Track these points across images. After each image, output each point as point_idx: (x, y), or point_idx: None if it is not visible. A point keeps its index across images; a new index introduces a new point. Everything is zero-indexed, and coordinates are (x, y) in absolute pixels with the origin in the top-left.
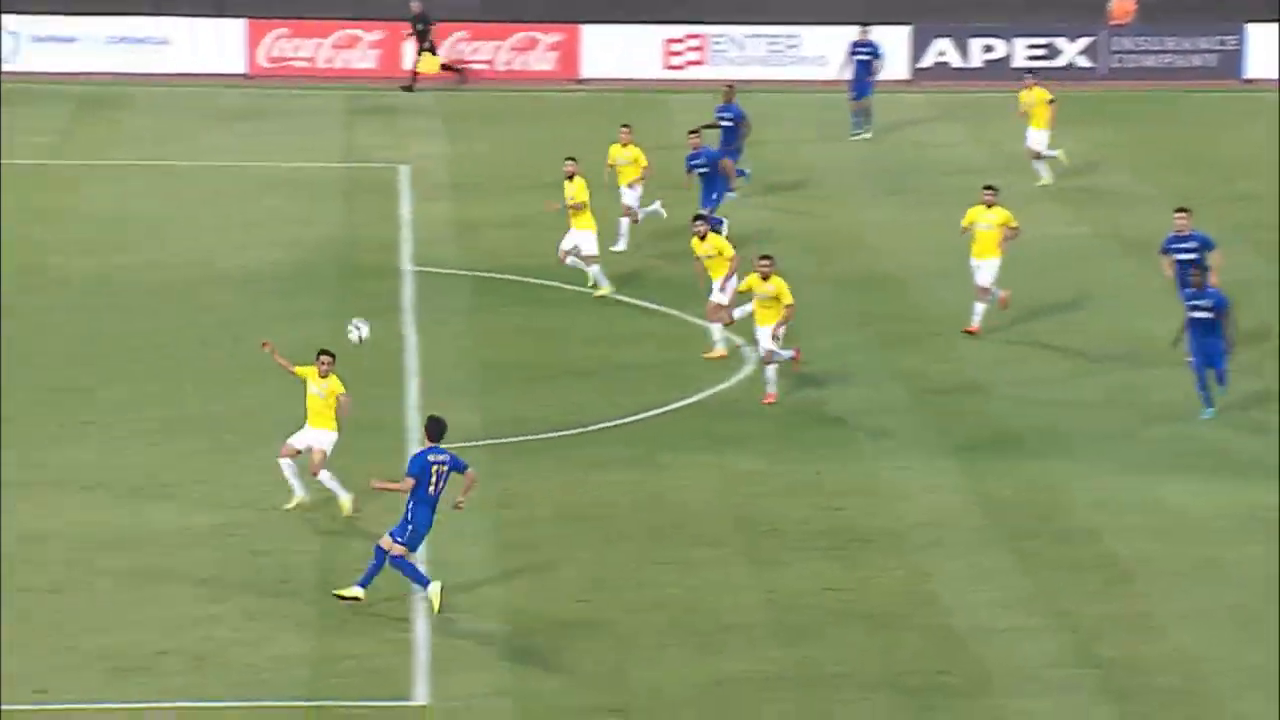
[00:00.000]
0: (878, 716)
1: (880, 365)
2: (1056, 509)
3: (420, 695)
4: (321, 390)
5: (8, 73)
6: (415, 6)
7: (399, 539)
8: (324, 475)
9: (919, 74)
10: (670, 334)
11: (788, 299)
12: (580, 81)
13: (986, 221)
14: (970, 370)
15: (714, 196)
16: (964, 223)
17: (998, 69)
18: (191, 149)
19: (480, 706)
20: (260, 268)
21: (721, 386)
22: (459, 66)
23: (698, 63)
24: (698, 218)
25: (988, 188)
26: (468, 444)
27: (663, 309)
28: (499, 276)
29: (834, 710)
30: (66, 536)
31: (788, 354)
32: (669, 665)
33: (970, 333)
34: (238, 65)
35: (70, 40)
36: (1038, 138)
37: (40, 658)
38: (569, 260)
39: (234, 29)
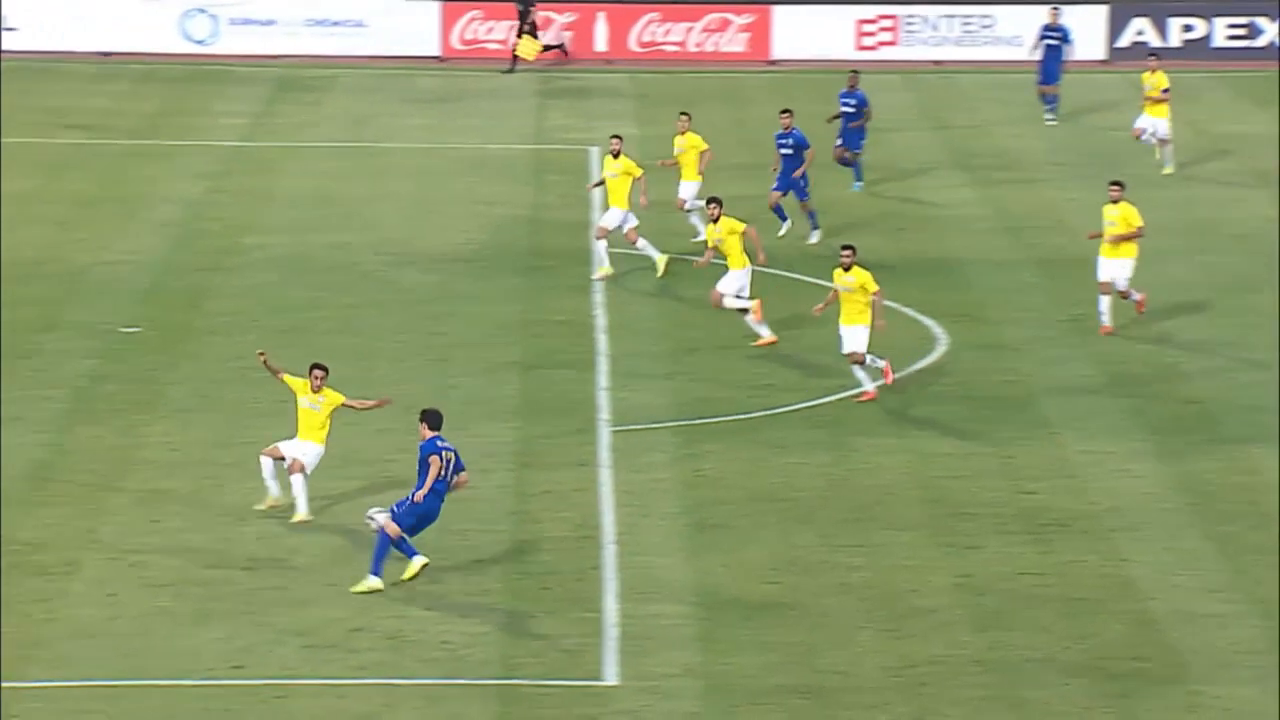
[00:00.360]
0: (1072, 703)
1: (1075, 346)
2: (1257, 493)
3: (610, 675)
4: (316, 404)
5: (207, 55)
6: None
7: (404, 519)
8: (297, 478)
9: (1116, 54)
10: None
11: (872, 287)
12: (772, 63)
13: (1110, 219)
14: (1167, 352)
15: (802, 183)
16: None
17: (1197, 49)
18: (387, 131)
19: (670, 687)
20: (453, 249)
21: (912, 368)
22: (559, 45)
23: (890, 43)
24: (711, 200)
25: (1114, 184)
26: (655, 425)
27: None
28: (688, 258)
29: (1027, 696)
30: (262, 514)
31: (881, 362)
32: (859, 648)
33: (1106, 333)
34: (432, 48)
35: (269, 23)
36: (1156, 125)
37: (237, 634)
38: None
39: (429, 12)
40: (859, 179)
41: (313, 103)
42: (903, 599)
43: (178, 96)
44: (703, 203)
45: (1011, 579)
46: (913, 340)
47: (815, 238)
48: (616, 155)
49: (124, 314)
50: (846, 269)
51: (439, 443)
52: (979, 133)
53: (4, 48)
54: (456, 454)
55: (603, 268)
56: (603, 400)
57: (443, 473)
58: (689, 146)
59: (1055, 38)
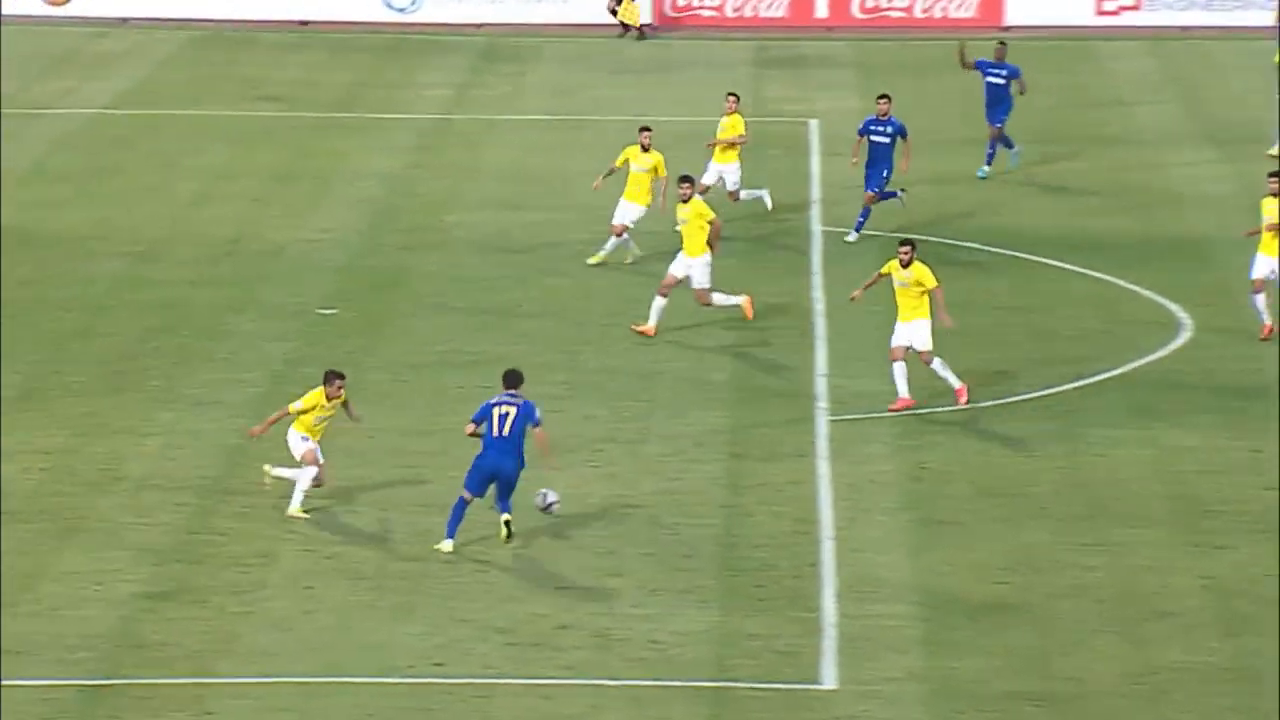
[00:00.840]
0: None
1: None
2: None
3: (828, 679)
4: (334, 414)
5: (409, 24)
6: None
7: (468, 483)
8: (296, 473)
9: None
10: (1097, 298)
11: (931, 283)
12: (1004, 29)
13: (1268, 213)
14: None
15: (884, 174)
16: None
17: None
18: (594, 103)
19: (891, 692)
20: (664, 227)
21: (1154, 356)
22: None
23: (1133, 8)
24: (685, 179)
25: (1273, 175)
26: (877, 414)
27: (1089, 272)
28: (912, 237)
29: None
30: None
31: (955, 381)
32: (1095, 653)
33: (1265, 337)
34: (643, 15)
35: None
36: None
37: (437, 630)
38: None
39: None
40: (1011, 147)
41: (516, 73)
42: (1143, 601)
43: (377, 67)
44: (762, 192)
45: (1261, 581)
46: (1154, 325)
47: (853, 238)
48: (646, 150)
49: (320, 294)
50: (905, 265)
51: (493, 401)
52: (1229, 103)
53: (198, 16)
54: (521, 408)
55: (599, 255)
56: (821, 387)
57: (498, 430)
58: (729, 128)
59: None
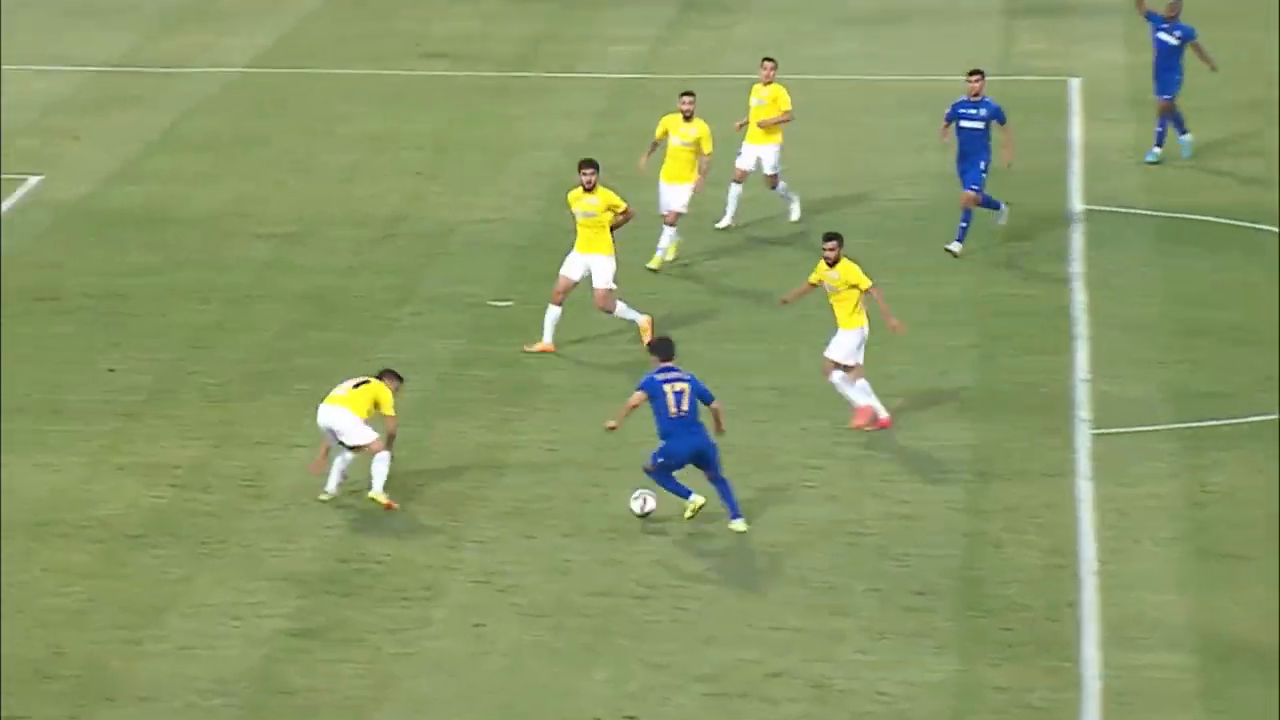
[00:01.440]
0: None
1: None
2: None
3: None
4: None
5: None
6: None
7: (655, 459)
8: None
9: None
10: None
11: (865, 283)
12: None
13: None
14: None
15: (981, 168)
16: None
17: None
18: (813, 60)
19: None
20: (885, 206)
21: None
22: None
23: None
24: (586, 163)
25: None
26: (1149, 427)
27: None
28: (1190, 218)
29: None
30: (656, 531)
31: (862, 402)
32: None
33: None
34: None
35: None
36: None
37: (627, 676)
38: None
39: None
40: (1183, 132)
41: (722, 26)
42: None
43: (560, 18)
44: (793, 199)
45: None
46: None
47: (957, 248)
48: (689, 118)
49: (494, 285)
50: (831, 264)
51: (657, 376)
52: None
53: None
54: (693, 380)
55: (658, 257)
56: (1081, 395)
57: (676, 408)
58: (771, 100)
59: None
